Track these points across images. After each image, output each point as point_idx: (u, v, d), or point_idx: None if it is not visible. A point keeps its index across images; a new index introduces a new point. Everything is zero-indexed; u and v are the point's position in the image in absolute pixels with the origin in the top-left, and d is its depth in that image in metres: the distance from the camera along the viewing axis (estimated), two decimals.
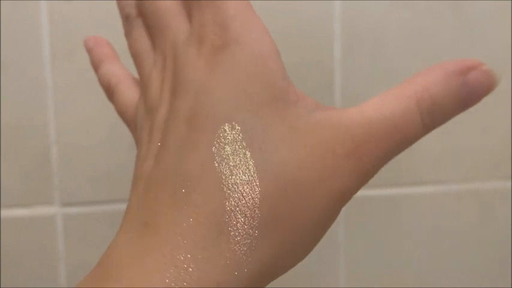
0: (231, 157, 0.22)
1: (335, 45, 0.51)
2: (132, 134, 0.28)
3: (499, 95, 0.53)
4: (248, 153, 0.22)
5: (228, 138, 0.22)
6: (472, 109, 0.57)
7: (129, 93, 0.29)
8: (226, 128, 0.22)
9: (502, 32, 0.53)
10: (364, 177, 0.22)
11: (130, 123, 0.28)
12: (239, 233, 0.21)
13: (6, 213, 0.50)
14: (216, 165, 0.22)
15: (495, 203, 0.55)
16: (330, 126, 0.22)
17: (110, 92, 0.30)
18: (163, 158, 0.23)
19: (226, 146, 0.22)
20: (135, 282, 0.20)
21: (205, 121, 0.22)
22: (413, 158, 0.53)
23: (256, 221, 0.21)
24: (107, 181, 0.50)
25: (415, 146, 0.58)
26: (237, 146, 0.22)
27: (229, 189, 0.21)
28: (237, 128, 0.22)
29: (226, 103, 0.22)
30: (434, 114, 0.22)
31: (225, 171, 0.21)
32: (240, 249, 0.21)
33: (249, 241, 0.21)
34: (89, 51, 0.33)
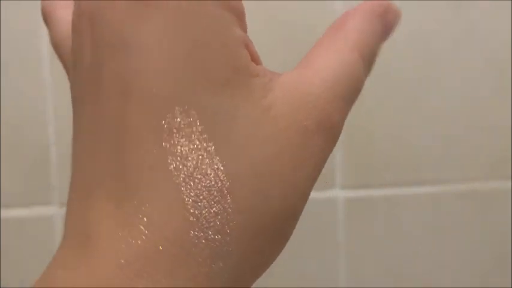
0: (189, 156, 0.16)
1: None
2: (66, 73, 0.23)
3: (499, 95, 0.53)
4: (212, 149, 0.16)
5: (182, 128, 0.16)
6: (472, 109, 0.57)
7: (66, 23, 0.22)
8: (177, 113, 0.16)
9: (502, 32, 0.53)
10: (334, 144, 0.19)
11: (64, 61, 0.22)
12: (210, 253, 0.16)
13: (5, 213, 0.49)
14: (171, 168, 0.16)
15: (495, 203, 0.55)
16: (298, 98, 0.18)
17: (46, 19, 0.25)
18: (99, 154, 0.17)
19: (181, 140, 0.16)
20: None
21: (145, 100, 0.16)
22: (413, 158, 0.52)
23: (231, 236, 0.16)
24: None
25: (415, 146, 0.57)
26: (196, 141, 0.16)
27: (194, 201, 0.16)
28: (192, 112, 0.16)
29: (170, 76, 0.17)
30: (371, 59, 0.21)
31: (184, 175, 0.16)
32: (212, 270, 0.16)
33: (220, 259, 0.16)
34: None
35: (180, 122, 0.16)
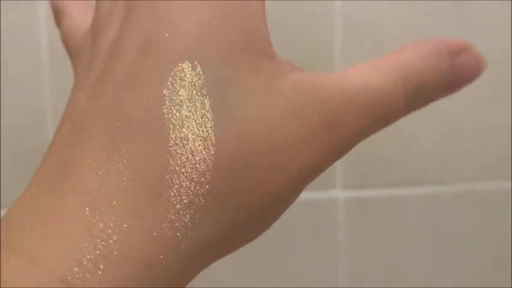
0: (184, 104, 0.17)
1: (335, 45, 0.51)
2: (72, 65, 0.23)
3: (499, 95, 0.53)
4: (207, 103, 0.17)
5: (185, 80, 0.17)
6: (472, 109, 0.57)
7: (79, 17, 0.24)
8: (185, 66, 0.18)
9: (503, 32, 0.53)
10: (338, 152, 0.18)
11: (73, 51, 0.23)
12: (181, 199, 0.16)
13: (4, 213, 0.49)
14: (165, 111, 0.17)
15: (495, 203, 0.55)
16: (309, 90, 0.18)
17: (58, 13, 0.25)
18: (101, 90, 0.18)
19: (182, 90, 0.17)
20: (35, 255, 0.15)
21: (161, 51, 0.18)
22: (413, 158, 0.52)
23: (205, 188, 0.17)
24: None
25: (416, 147, 0.57)
26: (194, 92, 0.17)
27: (177, 145, 0.17)
28: (198, 69, 0.18)
29: (189, 35, 0.18)
30: (418, 93, 0.19)
31: (175, 121, 0.17)
32: (179, 219, 0.16)
33: (192, 211, 0.16)
34: None
35: (185, 74, 0.17)
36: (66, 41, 0.24)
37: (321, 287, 0.54)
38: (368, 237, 0.54)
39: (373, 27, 0.51)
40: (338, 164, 0.51)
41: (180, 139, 0.17)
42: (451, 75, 0.19)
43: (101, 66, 0.19)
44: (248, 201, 0.17)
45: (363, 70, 0.18)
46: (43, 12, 0.48)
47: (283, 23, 0.50)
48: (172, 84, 0.17)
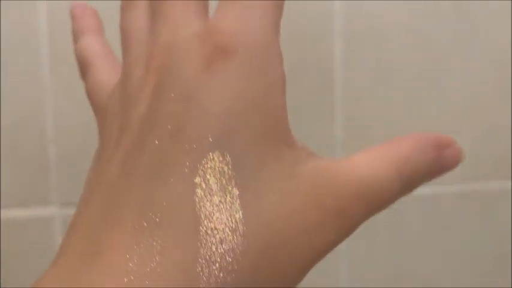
0: (215, 194, 0.18)
1: (335, 45, 0.51)
2: (97, 122, 0.24)
3: (499, 95, 0.53)
4: (236, 193, 0.18)
5: (216, 170, 0.18)
6: (472, 109, 0.57)
7: (105, 74, 0.25)
8: (215, 156, 0.18)
9: (503, 32, 0.53)
10: (346, 234, 0.20)
11: (99, 108, 0.24)
12: (210, 287, 0.17)
13: (4, 213, 0.49)
14: (197, 200, 0.18)
15: (495, 203, 0.55)
16: (326, 179, 0.19)
17: (84, 68, 0.26)
18: (133, 169, 0.19)
19: (212, 179, 0.18)
20: None
21: (192, 139, 0.18)
22: None
23: (232, 277, 0.17)
24: None
25: None
26: (224, 182, 0.18)
27: (207, 234, 0.17)
28: (228, 159, 0.18)
29: (218, 124, 0.19)
30: (410, 182, 0.21)
31: (206, 210, 0.18)
32: None
33: None
34: (73, 19, 0.28)
35: (215, 163, 0.18)
36: (91, 96, 0.25)
37: (321, 287, 0.54)
38: (368, 237, 0.54)
39: (373, 27, 0.51)
40: None
41: (211, 229, 0.17)
42: (437, 166, 0.22)
43: (132, 140, 0.19)
44: (269, 285, 0.18)
45: (367, 162, 0.20)
46: (43, 12, 0.48)
47: (283, 23, 0.50)
48: (203, 173, 0.18)
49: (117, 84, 0.23)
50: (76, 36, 0.28)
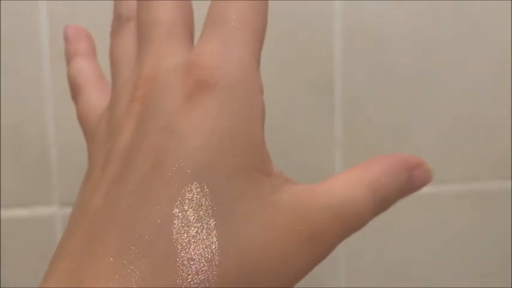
0: (192, 225, 0.18)
1: (335, 45, 0.51)
2: (87, 146, 0.25)
3: (499, 95, 0.53)
4: (213, 223, 0.18)
5: (193, 201, 0.19)
6: (472, 109, 0.57)
7: (95, 99, 0.26)
8: (193, 187, 0.19)
9: (503, 32, 0.53)
10: (319, 260, 0.20)
11: (89, 133, 0.25)
12: None
13: (5, 213, 0.49)
14: (174, 231, 0.18)
15: (495, 203, 0.55)
16: (302, 206, 0.20)
17: (75, 92, 0.27)
18: (116, 199, 0.19)
19: (190, 210, 0.18)
20: None
21: (173, 170, 0.19)
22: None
23: None
24: None
25: (415, 146, 0.57)
26: (201, 213, 0.18)
27: (184, 265, 0.18)
28: (205, 190, 0.19)
29: (199, 157, 0.19)
30: (383, 203, 0.22)
31: (183, 241, 0.18)
32: None
33: None
34: (66, 41, 0.29)
35: (193, 194, 0.19)
36: (81, 121, 0.26)
37: (321, 287, 0.54)
38: (368, 237, 0.54)
39: (373, 27, 0.51)
40: (338, 164, 0.51)
41: (187, 260, 0.18)
42: (408, 185, 0.23)
43: (116, 170, 0.20)
44: None
45: (341, 185, 0.21)
46: (43, 12, 0.48)
47: (283, 23, 0.50)
48: (181, 204, 0.19)
49: (105, 111, 0.23)
50: (68, 58, 0.29)
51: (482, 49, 0.53)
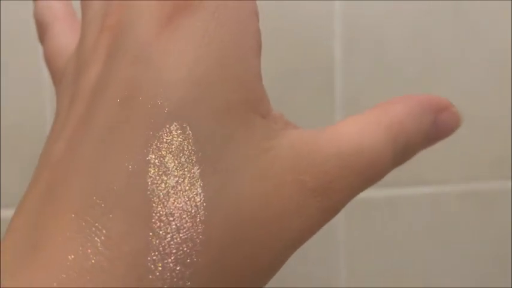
0: (171, 173, 0.15)
1: (335, 45, 0.51)
2: (55, 89, 0.21)
3: (499, 95, 0.53)
4: (197, 172, 0.15)
5: (173, 145, 0.15)
6: (472, 109, 0.57)
7: (65, 37, 0.22)
8: (173, 128, 0.16)
9: (503, 32, 0.53)
10: (329, 215, 0.17)
11: (56, 75, 0.22)
12: (164, 283, 0.14)
13: (5, 213, 0.49)
14: (149, 181, 0.15)
15: (495, 203, 0.55)
16: (304, 155, 0.17)
17: (42, 31, 0.24)
18: (79, 145, 0.16)
19: (168, 155, 0.15)
20: None
21: (147, 109, 0.16)
22: (413, 158, 0.52)
23: (191, 270, 0.15)
24: None
25: None
26: (183, 159, 0.15)
27: (161, 221, 0.15)
28: (187, 132, 0.16)
29: (180, 92, 0.16)
30: (405, 151, 0.19)
31: (160, 192, 0.15)
32: None
33: None
34: None
35: (173, 137, 0.16)
36: (49, 62, 0.23)
37: (321, 287, 0.54)
38: (368, 237, 0.54)
39: (373, 27, 0.51)
40: None
41: (166, 215, 0.15)
42: (433, 131, 0.19)
43: (80, 112, 0.17)
44: (237, 278, 0.16)
45: (356, 129, 0.18)
46: None
47: (283, 23, 0.50)
48: (158, 149, 0.15)
49: (75, 50, 0.20)
50: None
51: (482, 49, 0.53)
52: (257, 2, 0.26)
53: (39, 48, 0.52)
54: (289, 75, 0.50)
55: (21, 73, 0.48)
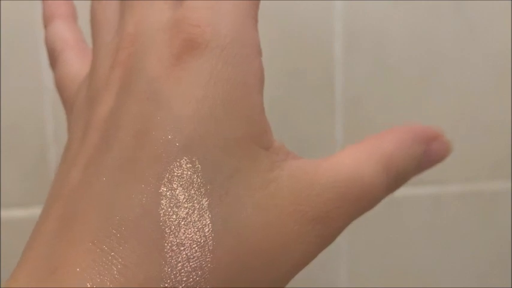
0: (182, 205, 0.16)
1: (335, 45, 0.51)
2: (66, 116, 0.23)
3: (500, 95, 0.53)
4: (205, 203, 0.16)
5: (183, 178, 0.16)
6: (472, 109, 0.57)
7: (75, 65, 0.23)
8: (183, 162, 0.17)
9: (503, 32, 0.53)
10: (327, 242, 0.18)
11: (67, 102, 0.23)
12: None
13: (5, 213, 0.49)
14: (161, 213, 0.16)
15: (495, 203, 0.55)
16: (304, 185, 0.18)
17: (53, 57, 0.25)
18: (94, 176, 0.17)
19: (179, 188, 0.16)
20: None
21: (159, 144, 0.17)
22: None
23: None
24: None
25: None
26: (192, 191, 0.16)
27: (173, 251, 0.16)
28: (197, 165, 0.17)
29: (189, 128, 0.17)
30: (398, 179, 0.20)
31: (171, 223, 0.16)
32: None
33: None
34: (43, 3, 0.26)
35: (183, 171, 0.17)
36: (60, 90, 0.24)
37: (321, 287, 0.54)
38: (368, 237, 0.54)
39: (373, 27, 0.51)
40: None
41: (177, 245, 0.16)
42: (424, 160, 0.21)
43: (95, 141, 0.18)
44: None
45: (351, 161, 0.19)
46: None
47: (283, 23, 0.50)
48: (169, 182, 0.16)
49: (86, 78, 0.21)
50: (46, 22, 0.26)
51: (482, 49, 0.53)
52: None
53: (39, 48, 0.52)
54: (289, 75, 0.50)
55: (21, 73, 0.48)
